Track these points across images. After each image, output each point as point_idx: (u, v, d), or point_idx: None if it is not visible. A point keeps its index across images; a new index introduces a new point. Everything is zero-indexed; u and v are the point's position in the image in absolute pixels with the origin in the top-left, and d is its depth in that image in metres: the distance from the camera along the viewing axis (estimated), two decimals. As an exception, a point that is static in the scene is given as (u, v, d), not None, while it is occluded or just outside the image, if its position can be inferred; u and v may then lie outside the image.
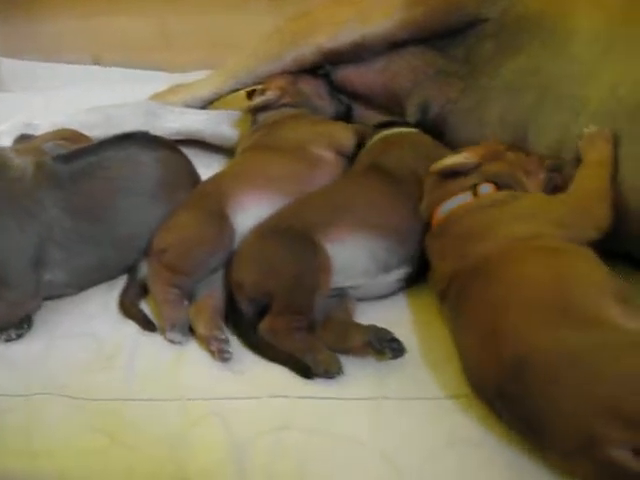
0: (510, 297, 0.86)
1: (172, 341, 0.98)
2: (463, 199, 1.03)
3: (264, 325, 0.96)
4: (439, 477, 0.81)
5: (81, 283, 1.08)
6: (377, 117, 1.34)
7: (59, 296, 1.07)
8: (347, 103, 1.39)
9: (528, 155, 1.08)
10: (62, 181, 1.04)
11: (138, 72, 1.78)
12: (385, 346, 0.90)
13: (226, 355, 0.95)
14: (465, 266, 0.94)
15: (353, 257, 1.01)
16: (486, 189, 1.02)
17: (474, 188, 1.03)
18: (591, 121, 1.06)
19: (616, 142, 1.02)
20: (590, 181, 0.99)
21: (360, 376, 0.92)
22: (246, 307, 1.00)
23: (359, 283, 1.03)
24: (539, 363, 0.78)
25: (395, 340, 0.91)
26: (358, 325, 0.96)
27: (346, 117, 1.38)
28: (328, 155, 1.23)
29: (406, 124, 1.26)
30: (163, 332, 1.00)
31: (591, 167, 1.01)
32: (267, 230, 1.05)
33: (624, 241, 1.05)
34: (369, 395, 0.90)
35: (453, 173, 1.05)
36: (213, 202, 1.11)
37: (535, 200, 1.00)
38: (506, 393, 0.80)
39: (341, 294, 1.02)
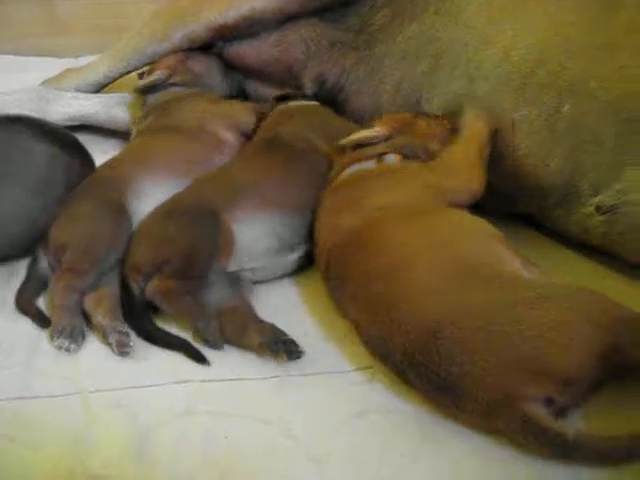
0: (399, 267, 0.86)
1: (60, 347, 0.93)
2: (363, 166, 1.02)
3: (152, 285, 0.94)
4: (349, 450, 0.80)
5: None
6: (274, 92, 1.31)
7: None
8: (240, 80, 1.36)
9: (436, 119, 1.08)
10: None
11: (28, 59, 1.71)
12: (280, 348, 0.89)
13: (126, 349, 0.92)
14: (339, 240, 0.94)
15: (256, 237, 1.00)
16: (390, 159, 1.02)
17: (379, 157, 1.02)
18: (486, 84, 1.08)
19: (511, 107, 1.04)
20: (460, 150, 1.01)
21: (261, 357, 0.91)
22: (139, 293, 0.96)
23: (262, 263, 1.01)
24: (447, 328, 0.77)
25: (291, 342, 0.89)
26: (256, 323, 0.92)
27: (240, 95, 1.36)
28: (228, 135, 1.20)
29: (304, 97, 1.25)
30: (51, 338, 0.94)
31: (463, 141, 1.02)
32: (165, 210, 1.02)
33: (523, 204, 1.07)
34: (272, 374, 0.89)
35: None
36: (111, 190, 1.07)
37: (409, 168, 1.00)
38: (417, 362, 0.80)
39: (237, 279, 0.99)
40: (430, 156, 1.02)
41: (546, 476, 0.75)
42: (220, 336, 0.91)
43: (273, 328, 0.91)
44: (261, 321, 0.92)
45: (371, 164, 1.02)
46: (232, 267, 0.98)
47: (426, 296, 0.82)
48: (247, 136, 1.22)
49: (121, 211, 1.05)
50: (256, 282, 1.02)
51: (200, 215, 0.98)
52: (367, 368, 0.89)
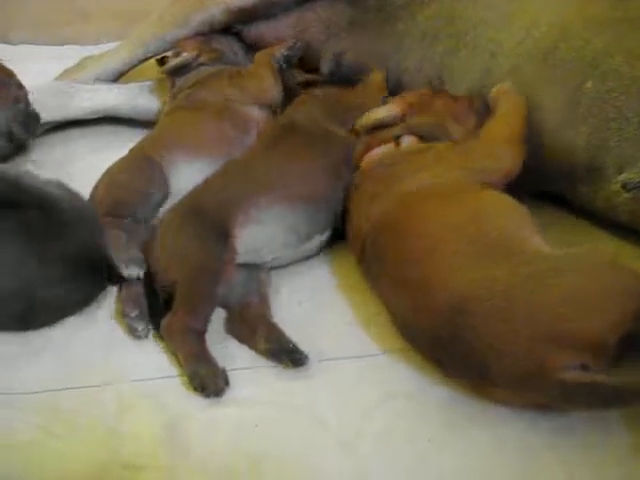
0: (429, 248, 0.86)
1: (131, 275, 0.97)
2: (384, 149, 1.02)
3: (164, 323, 0.94)
4: (377, 435, 0.81)
5: None
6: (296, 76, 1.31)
7: None
8: None
9: (456, 100, 1.07)
10: None
11: (48, 48, 1.71)
12: (284, 357, 0.89)
13: (136, 333, 0.95)
14: (375, 224, 0.94)
15: (274, 232, 1.00)
16: (407, 141, 1.02)
17: (397, 139, 1.02)
18: (507, 62, 1.06)
19: (534, 84, 1.03)
20: (499, 127, 1.00)
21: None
22: (160, 292, 0.98)
23: (281, 255, 1.01)
24: (476, 305, 0.78)
25: (295, 351, 0.89)
26: (266, 328, 0.92)
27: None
28: (253, 110, 1.20)
29: (326, 81, 1.24)
30: (121, 269, 0.98)
31: (502, 116, 1.01)
32: (184, 209, 1.03)
33: (549, 182, 1.06)
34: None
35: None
36: (149, 153, 1.12)
37: (441, 148, 1.00)
38: (446, 340, 0.80)
39: (256, 273, 1.00)
40: (448, 136, 1.02)
41: (568, 459, 0.76)
42: (214, 382, 0.87)
43: (280, 337, 0.91)
44: (271, 326, 0.93)
45: (389, 147, 1.02)
46: (253, 259, 0.99)
47: (453, 275, 0.82)
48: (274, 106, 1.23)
49: (153, 164, 1.10)
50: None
51: (211, 224, 0.98)
52: (394, 351, 0.90)
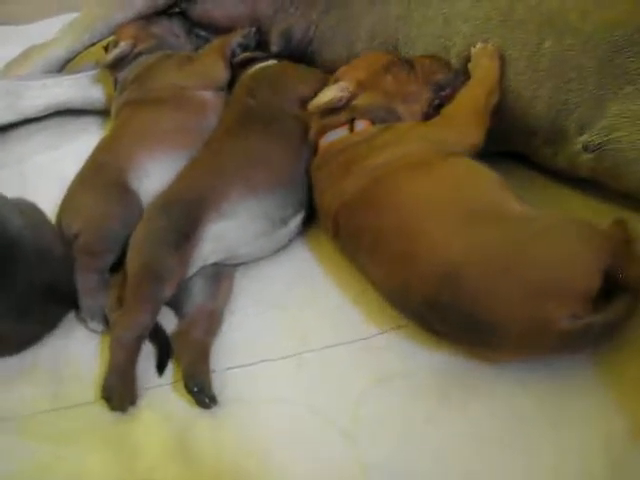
0: (411, 218, 0.88)
1: (94, 331, 0.98)
2: (340, 133, 1.03)
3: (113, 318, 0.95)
4: (375, 419, 0.85)
5: None
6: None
7: None
8: (205, 36, 1.33)
9: (410, 74, 1.05)
10: None
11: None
12: (191, 395, 0.89)
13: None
14: (346, 201, 0.95)
15: (246, 224, 1.00)
16: (360, 125, 1.02)
17: (350, 123, 1.02)
18: (464, 27, 1.05)
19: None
20: (465, 101, 1.00)
21: (282, 334, 0.95)
22: None
23: (258, 244, 1.02)
24: (470, 269, 0.81)
25: (202, 392, 0.88)
26: (194, 357, 0.92)
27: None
28: (208, 95, 1.19)
29: (267, 57, 1.23)
30: (84, 323, 0.99)
31: (472, 87, 1.01)
32: (154, 208, 1.02)
33: (511, 143, 1.08)
34: (293, 352, 0.93)
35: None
36: (111, 173, 1.08)
37: (402, 127, 1.00)
38: (441, 306, 0.83)
39: (217, 275, 1.01)
40: (397, 118, 1.02)
41: (557, 422, 0.81)
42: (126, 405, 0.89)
43: (195, 373, 0.90)
44: (199, 357, 0.92)
45: (344, 130, 1.03)
46: (225, 255, 1.00)
47: (441, 242, 0.85)
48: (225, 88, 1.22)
49: (125, 191, 1.06)
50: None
51: (179, 216, 0.98)
52: (385, 332, 0.93)
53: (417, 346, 0.90)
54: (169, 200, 1.01)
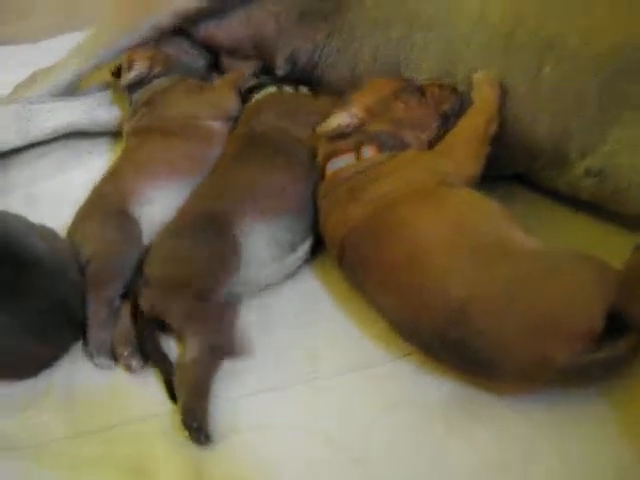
0: (418, 251, 0.90)
1: (100, 366, 0.99)
2: (347, 160, 1.04)
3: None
4: (386, 448, 0.86)
5: None
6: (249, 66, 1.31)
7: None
8: (213, 57, 1.35)
9: (420, 102, 1.06)
10: None
11: (-14, 51, 1.65)
12: (189, 431, 0.89)
13: (132, 371, 0.98)
14: (352, 229, 0.97)
15: (259, 247, 1.01)
16: (367, 152, 1.03)
17: (357, 149, 1.03)
18: (467, 51, 1.06)
19: (496, 72, 1.03)
20: (464, 131, 1.02)
21: (293, 361, 0.97)
22: (148, 311, 0.99)
23: (267, 270, 1.03)
24: (476, 306, 0.83)
25: (198, 430, 0.88)
26: (193, 391, 0.92)
27: (215, 66, 1.36)
28: (216, 125, 1.21)
29: (276, 80, 1.24)
30: (90, 357, 1.00)
31: (472, 115, 1.03)
32: (176, 228, 1.04)
33: (512, 167, 1.10)
34: (304, 379, 0.94)
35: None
36: (115, 203, 1.10)
37: (406, 156, 1.01)
38: (449, 340, 0.85)
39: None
40: (405, 146, 1.03)
41: (566, 457, 0.83)
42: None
43: (192, 409, 0.90)
44: (201, 389, 0.92)
45: (350, 157, 1.04)
46: (235, 281, 1.01)
47: (448, 276, 0.86)
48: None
49: (125, 219, 1.08)
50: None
51: (212, 230, 1.00)
52: (393, 360, 0.95)
53: (424, 374, 0.92)
54: (195, 220, 1.03)
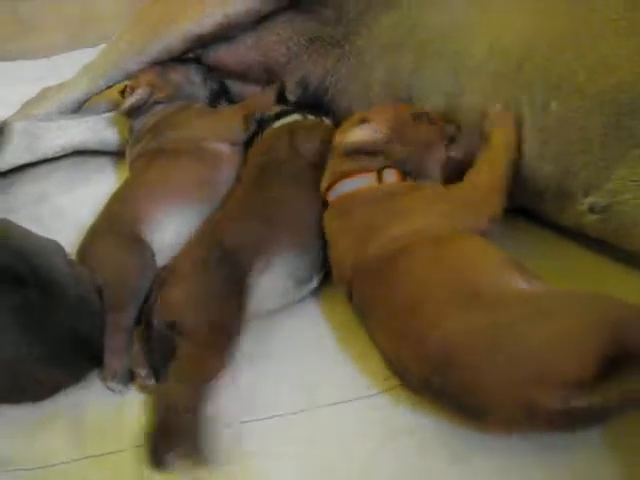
0: (414, 300, 0.89)
1: (112, 390, 0.99)
2: (364, 182, 1.01)
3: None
4: (384, 475, 0.87)
5: None
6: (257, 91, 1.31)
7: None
8: (220, 81, 1.36)
9: (432, 124, 1.06)
10: None
11: (-2, 65, 1.67)
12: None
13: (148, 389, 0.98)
14: (361, 268, 0.96)
15: (274, 282, 1.00)
16: (390, 177, 1.00)
17: (380, 172, 1.00)
18: (476, 82, 1.06)
19: (504, 106, 1.03)
20: (486, 170, 1.00)
21: (292, 389, 0.97)
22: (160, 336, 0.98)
23: (278, 304, 1.03)
24: (462, 355, 0.82)
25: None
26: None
27: (223, 94, 1.37)
28: (225, 148, 1.21)
29: (287, 112, 1.24)
30: (104, 381, 1.00)
31: (492, 152, 1.01)
32: (198, 262, 1.01)
33: (516, 201, 1.08)
34: (301, 407, 0.95)
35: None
36: (126, 225, 1.10)
37: (426, 194, 0.99)
38: (434, 387, 0.85)
39: None
40: (425, 171, 1.02)
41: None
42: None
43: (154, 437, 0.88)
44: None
45: (371, 179, 1.01)
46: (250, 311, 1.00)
47: (436, 325, 0.85)
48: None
49: (138, 242, 1.08)
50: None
51: (231, 272, 0.98)
52: (391, 389, 0.95)
53: (425, 403, 0.92)
54: (215, 255, 1.00)
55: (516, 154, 1.02)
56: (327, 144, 1.09)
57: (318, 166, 1.09)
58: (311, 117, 1.22)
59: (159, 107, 1.27)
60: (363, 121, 1.04)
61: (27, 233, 1.05)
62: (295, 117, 1.21)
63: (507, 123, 1.02)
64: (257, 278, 0.98)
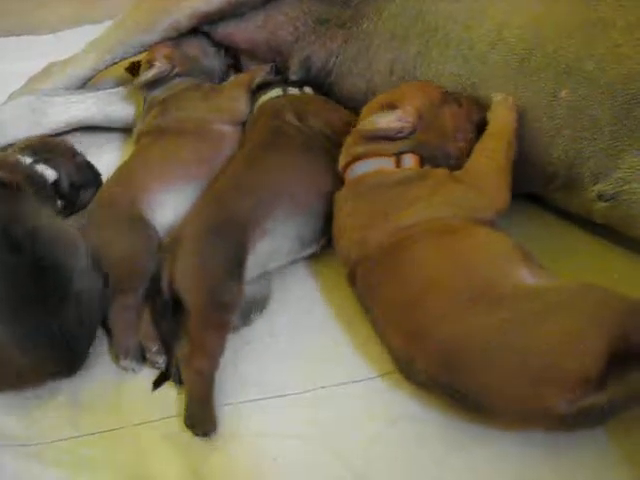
0: (421, 293, 0.88)
1: (125, 369, 0.99)
2: (382, 163, 1.00)
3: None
4: (386, 460, 0.87)
5: None
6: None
7: None
8: (233, 54, 1.35)
9: (460, 107, 1.04)
10: None
11: (5, 40, 1.64)
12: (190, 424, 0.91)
13: (157, 365, 0.99)
14: (366, 255, 0.95)
15: (282, 241, 1.02)
16: (409, 162, 0.99)
17: (398, 156, 0.99)
18: (484, 69, 1.05)
19: (512, 94, 1.02)
20: (487, 156, 0.99)
21: (295, 370, 0.97)
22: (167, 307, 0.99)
23: (282, 263, 1.05)
24: (469, 353, 0.81)
25: (200, 425, 0.91)
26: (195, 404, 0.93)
27: (235, 67, 1.36)
28: (227, 128, 1.21)
29: (286, 82, 1.24)
30: (116, 360, 1.00)
31: (491, 139, 1.00)
32: (200, 230, 1.02)
33: (525, 187, 1.08)
34: (309, 387, 0.95)
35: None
36: (128, 205, 1.09)
37: (439, 179, 0.97)
38: (442, 383, 0.85)
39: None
40: (448, 161, 1.00)
41: (564, 473, 0.84)
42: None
43: (198, 419, 0.92)
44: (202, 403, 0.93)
45: (389, 162, 1.00)
46: (256, 271, 1.02)
47: (444, 321, 0.85)
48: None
49: (140, 221, 1.08)
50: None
51: (230, 239, 0.99)
52: (391, 373, 0.94)
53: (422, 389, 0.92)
54: (215, 224, 1.01)
55: (514, 137, 1.00)
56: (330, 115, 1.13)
57: (328, 137, 1.11)
58: (292, 90, 1.22)
59: (176, 80, 1.26)
60: (390, 106, 1.02)
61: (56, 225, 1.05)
62: (277, 91, 1.21)
63: (507, 108, 1.02)
64: (259, 241, 1.00)
